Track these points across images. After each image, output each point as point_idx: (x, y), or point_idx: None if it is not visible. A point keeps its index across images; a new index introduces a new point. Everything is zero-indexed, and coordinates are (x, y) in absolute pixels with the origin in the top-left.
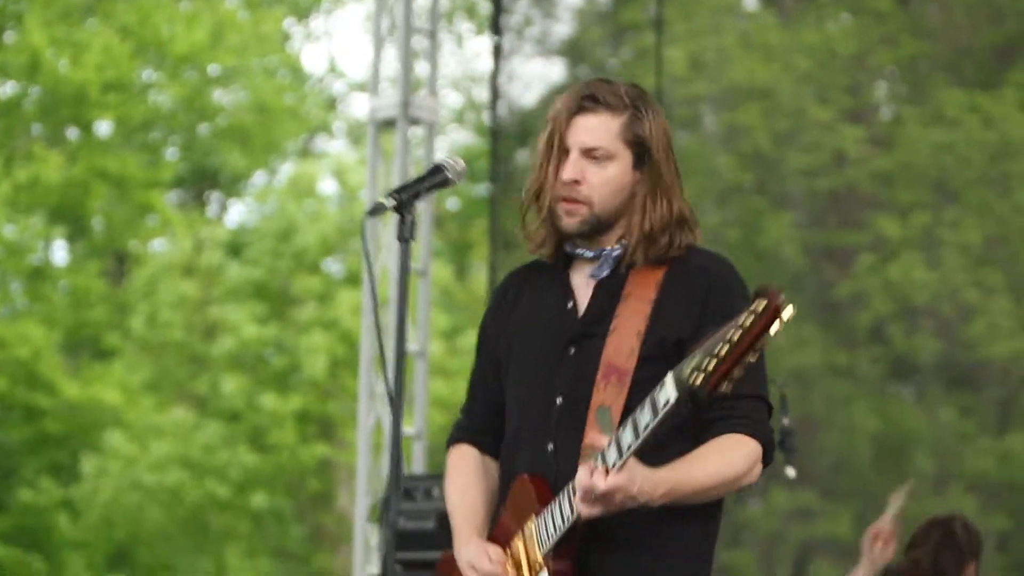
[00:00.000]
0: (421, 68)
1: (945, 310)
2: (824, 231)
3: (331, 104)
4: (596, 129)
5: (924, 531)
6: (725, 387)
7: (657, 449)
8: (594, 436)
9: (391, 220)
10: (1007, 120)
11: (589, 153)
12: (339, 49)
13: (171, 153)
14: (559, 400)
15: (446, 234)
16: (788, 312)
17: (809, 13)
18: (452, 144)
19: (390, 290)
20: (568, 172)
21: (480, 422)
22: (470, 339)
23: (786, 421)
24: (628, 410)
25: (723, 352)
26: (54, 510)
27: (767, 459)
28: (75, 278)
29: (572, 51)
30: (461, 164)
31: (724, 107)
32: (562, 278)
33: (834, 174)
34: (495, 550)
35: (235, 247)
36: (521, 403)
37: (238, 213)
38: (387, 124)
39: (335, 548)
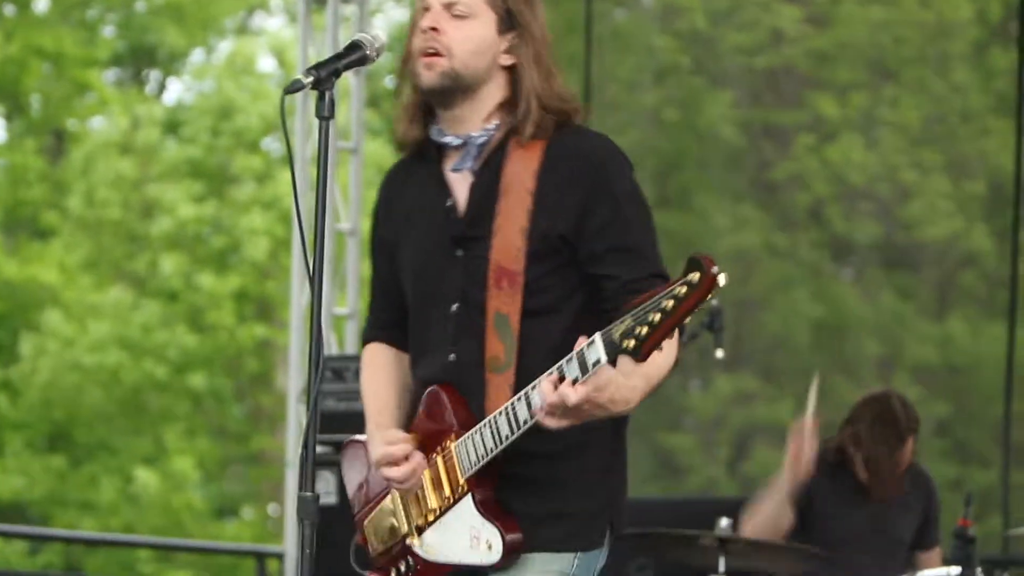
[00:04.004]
0: None
1: (883, 191)
2: (762, 110)
3: None
4: None
5: (860, 407)
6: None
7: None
8: (496, 347)
9: None
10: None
11: (449, 8)
12: None
13: (108, 31)
14: (455, 307)
15: (384, 112)
16: (723, 280)
17: None
18: (389, 21)
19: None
20: (426, 20)
21: (386, 317)
22: None
23: (714, 302)
24: (525, 313)
25: (656, 320)
26: None
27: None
28: (13, 156)
29: None
30: (381, 40)
31: None
32: (437, 171)
33: (771, 53)
34: (400, 439)
35: (173, 125)
36: (418, 308)
37: (176, 91)
38: (319, 1)
39: (274, 428)
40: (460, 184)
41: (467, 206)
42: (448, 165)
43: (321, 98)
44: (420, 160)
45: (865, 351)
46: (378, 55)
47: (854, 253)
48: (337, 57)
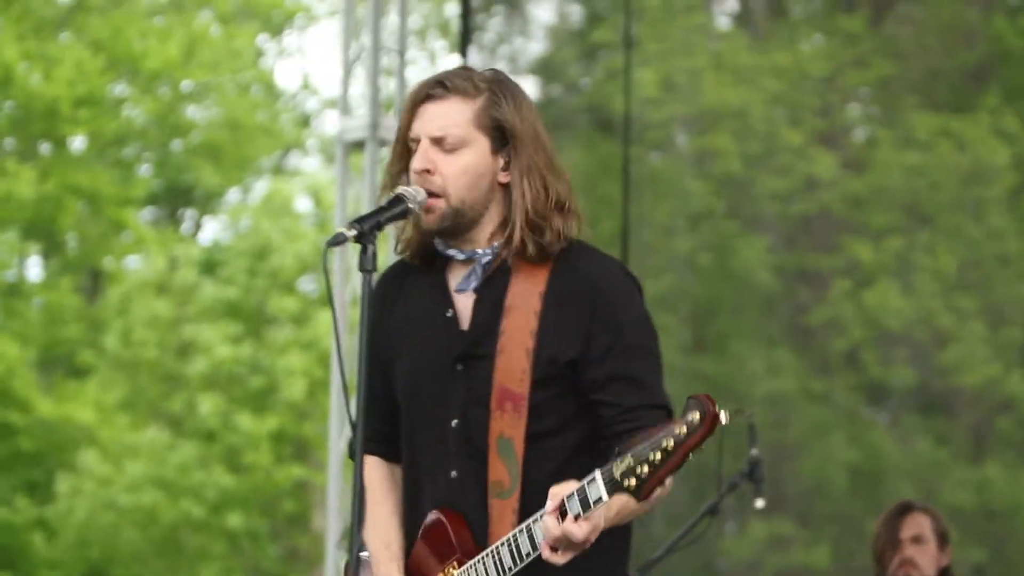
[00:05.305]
0: (393, 87)
1: (919, 336)
2: (797, 255)
3: (304, 121)
4: (444, 116)
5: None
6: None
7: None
8: (500, 471)
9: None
10: (980, 144)
11: (439, 143)
12: (312, 65)
13: (144, 169)
14: (454, 423)
15: None
16: (724, 418)
17: (781, 34)
18: None
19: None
20: (417, 162)
21: (379, 428)
22: None
23: (754, 451)
24: (529, 438)
25: (657, 460)
26: (29, 529)
27: None
28: (49, 295)
29: (544, 70)
30: (422, 194)
31: (695, 130)
32: (439, 280)
33: (807, 198)
34: None
35: (209, 265)
36: (415, 422)
37: (212, 231)
38: (357, 145)
39: (310, 569)
40: (463, 298)
41: (471, 322)
42: (452, 278)
43: (364, 251)
44: (422, 265)
45: (901, 496)
46: (420, 208)
47: (890, 398)
48: (380, 211)
